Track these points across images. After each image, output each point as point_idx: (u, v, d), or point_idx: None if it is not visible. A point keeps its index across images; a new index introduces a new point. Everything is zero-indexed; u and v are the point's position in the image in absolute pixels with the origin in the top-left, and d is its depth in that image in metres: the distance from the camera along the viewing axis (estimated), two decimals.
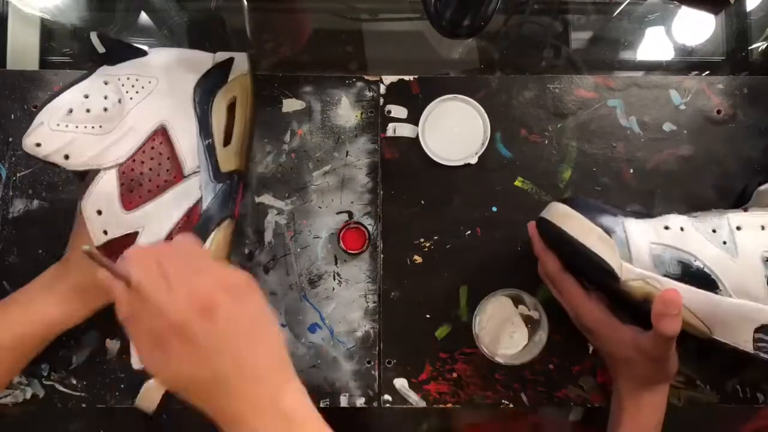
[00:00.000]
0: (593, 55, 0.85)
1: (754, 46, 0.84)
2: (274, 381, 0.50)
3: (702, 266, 0.60)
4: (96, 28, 0.84)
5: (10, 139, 0.73)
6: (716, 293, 0.59)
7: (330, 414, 0.70)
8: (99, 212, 0.61)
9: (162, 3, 0.84)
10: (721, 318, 0.60)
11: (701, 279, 0.59)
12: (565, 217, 0.61)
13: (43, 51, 0.82)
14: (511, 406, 0.70)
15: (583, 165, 0.75)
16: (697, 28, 0.85)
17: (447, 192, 0.75)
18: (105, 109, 0.63)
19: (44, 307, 0.64)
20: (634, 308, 0.61)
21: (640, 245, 0.60)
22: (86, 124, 0.62)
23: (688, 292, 0.59)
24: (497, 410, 0.66)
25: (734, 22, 0.85)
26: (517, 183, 0.75)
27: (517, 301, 0.69)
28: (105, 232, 0.62)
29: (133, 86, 0.65)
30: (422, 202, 0.74)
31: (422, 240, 0.74)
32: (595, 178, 0.75)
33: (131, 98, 0.64)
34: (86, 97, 0.63)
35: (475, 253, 0.74)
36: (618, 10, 0.86)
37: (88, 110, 0.62)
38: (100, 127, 0.62)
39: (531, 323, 0.69)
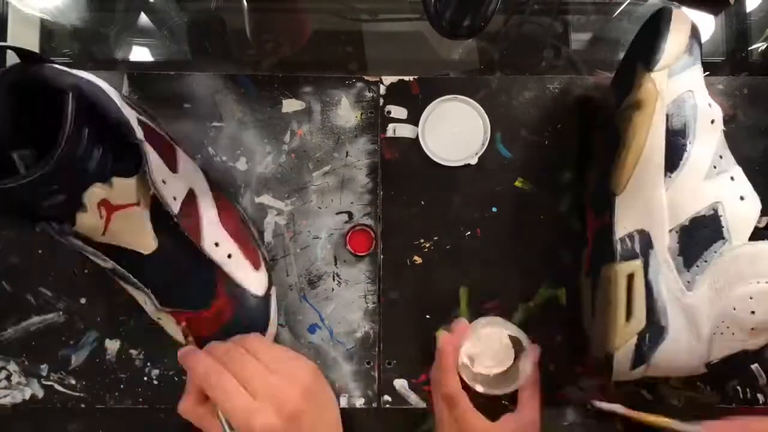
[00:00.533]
0: (593, 55, 0.85)
1: (754, 46, 0.84)
2: None
3: (687, 149, 0.62)
4: (96, 29, 0.83)
5: None
6: (666, 176, 0.61)
7: None
8: (164, 181, 0.61)
9: (162, 3, 0.84)
10: (639, 192, 0.62)
11: (675, 153, 0.62)
12: (683, 18, 0.64)
13: (43, 52, 0.82)
14: (511, 406, 0.70)
15: (583, 166, 0.75)
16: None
17: (447, 192, 0.75)
18: None
19: None
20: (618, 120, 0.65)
21: (687, 81, 0.63)
22: None
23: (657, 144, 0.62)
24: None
25: (734, 23, 0.84)
26: (518, 183, 0.75)
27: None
28: (174, 198, 0.62)
29: None
30: (422, 202, 0.74)
31: (422, 240, 0.74)
32: None
33: None
34: None
35: (475, 254, 0.74)
36: (618, 11, 0.86)
37: None
38: None
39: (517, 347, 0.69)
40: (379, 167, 0.75)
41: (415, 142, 0.74)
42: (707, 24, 0.85)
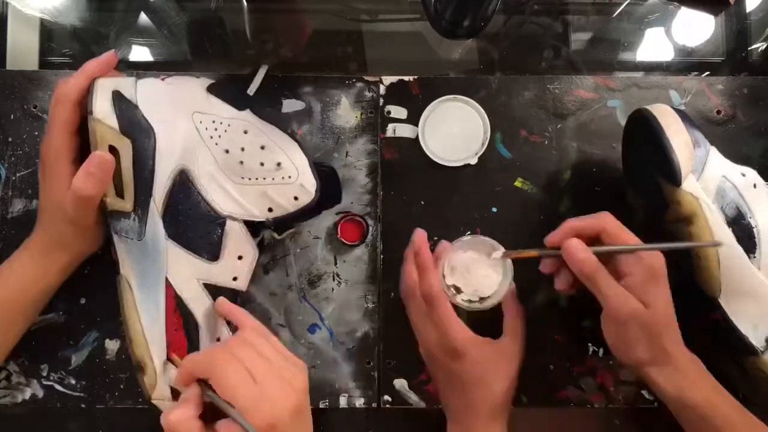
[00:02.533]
0: (593, 55, 0.85)
1: (753, 46, 0.84)
2: None
3: (753, 225, 0.62)
4: (96, 29, 0.84)
5: (10, 139, 0.73)
6: (751, 258, 0.61)
7: (329, 415, 0.70)
8: None
9: (162, 3, 0.84)
10: (738, 285, 0.61)
11: (745, 235, 0.62)
12: (666, 113, 0.63)
13: (43, 52, 0.82)
14: (511, 407, 0.70)
15: (583, 165, 0.75)
16: (697, 29, 0.85)
17: (447, 192, 0.75)
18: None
19: (23, 266, 0.64)
20: (671, 233, 0.65)
21: (713, 171, 0.63)
22: None
23: (727, 238, 0.61)
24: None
25: (734, 23, 0.85)
26: (517, 183, 0.75)
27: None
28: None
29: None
30: (422, 202, 0.74)
31: None
32: (595, 179, 0.75)
33: None
34: None
35: None
36: (618, 11, 0.86)
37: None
38: None
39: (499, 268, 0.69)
40: (379, 167, 0.75)
41: (415, 142, 0.74)
42: (707, 25, 0.85)
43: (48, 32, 0.83)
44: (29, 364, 0.71)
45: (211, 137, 0.62)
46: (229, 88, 0.67)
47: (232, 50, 0.84)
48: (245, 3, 0.83)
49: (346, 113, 0.76)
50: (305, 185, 0.64)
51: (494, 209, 0.74)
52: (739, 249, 0.61)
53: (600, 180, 0.75)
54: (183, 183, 0.62)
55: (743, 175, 0.64)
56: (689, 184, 0.62)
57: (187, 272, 0.62)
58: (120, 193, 0.61)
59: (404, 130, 0.75)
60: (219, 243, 0.63)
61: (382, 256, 0.74)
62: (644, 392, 0.72)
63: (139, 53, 0.84)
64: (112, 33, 0.83)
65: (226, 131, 0.63)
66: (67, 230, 0.63)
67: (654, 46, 0.86)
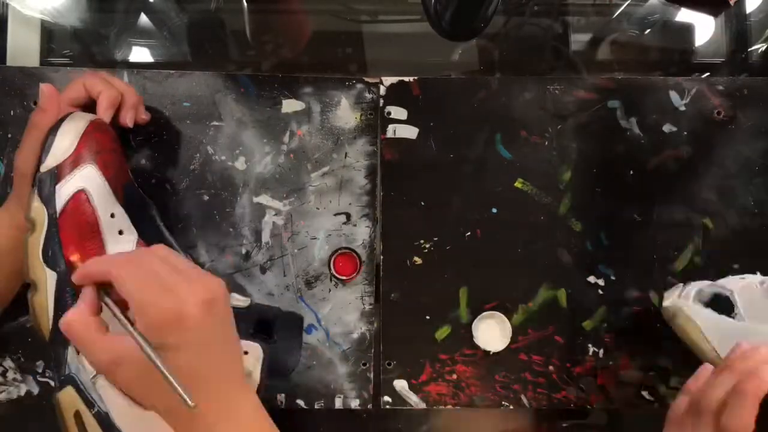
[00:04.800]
0: (593, 56, 0.85)
1: (753, 47, 0.84)
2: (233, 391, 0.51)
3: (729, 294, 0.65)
4: (96, 30, 0.84)
5: (9, 135, 0.73)
6: (732, 317, 0.63)
7: (329, 415, 0.70)
8: None
9: (162, 4, 0.84)
10: (731, 341, 0.61)
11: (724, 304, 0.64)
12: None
13: (44, 52, 0.82)
14: (511, 407, 0.69)
15: (583, 166, 0.75)
16: (697, 29, 0.85)
17: (447, 193, 0.74)
18: None
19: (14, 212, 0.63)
20: None
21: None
22: None
23: (707, 317, 0.64)
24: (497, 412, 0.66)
25: (734, 24, 0.85)
26: (517, 184, 0.75)
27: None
28: None
29: None
30: (422, 203, 0.74)
31: (422, 241, 0.74)
32: (595, 180, 0.75)
33: None
34: None
35: (475, 255, 0.74)
36: (618, 12, 0.86)
37: None
38: None
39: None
40: (379, 168, 0.75)
41: (415, 142, 0.74)
42: (707, 26, 0.85)
43: (48, 33, 0.83)
44: (25, 360, 0.71)
45: None
46: None
47: (232, 50, 0.84)
48: (245, 3, 0.83)
49: (346, 114, 0.76)
50: None
51: (494, 210, 0.74)
52: (718, 317, 0.64)
53: (600, 180, 0.75)
54: None
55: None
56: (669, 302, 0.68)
57: None
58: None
59: (404, 131, 0.75)
60: None
61: (382, 257, 0.73)
62: (644, 393, 0.72)
63: (139, 54, 0.84)
64: (112, 34, 0.83)
65: None
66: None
67: (654, 47, 0.85)
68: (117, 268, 0.48)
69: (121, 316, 0.48)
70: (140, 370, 0.47)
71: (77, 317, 0.48)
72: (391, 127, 0.75)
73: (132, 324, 0.47)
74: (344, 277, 0.73)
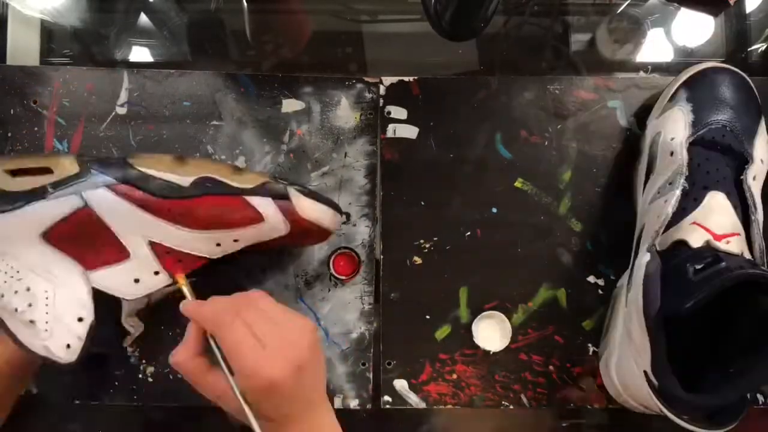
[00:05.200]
0: (593, 56, 0.85)
1: (753, 47, 0.84)
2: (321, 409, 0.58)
3: None
4: (96, 30, 0.83)
5: (9, 135, 0.73)
6: None
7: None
8: None
9: (162, 4, 0.84)
10: None
11: None
12: None
13: (43, 52, 0.82)
14: (511, 407, 0.69)
15: (583, 166, 0.75)
16: (697, 29, 0.85)
17: (447, 193, 0.74)
18: None
19: None
20: None
21: None
22: None
23: None
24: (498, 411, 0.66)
25: (734, 24, 0.84)
26: (517, 184, 0.75)
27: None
28: None
29: None
30: (422, 203, 0.74)
31: (422, 241, 0.74)
32: (595, 180, 0.75)
33: None
34: None
35: (475, 255, 0.74)
36: (618, 11, 0.86)
37: None
38: None
39: None
40: (379, 168, 0.75)
41: (415, 142, 0.74)
42: (707, 25, 0.85)
43: (48, 33, 0.83)
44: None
45: None
46: None
47: (232, 50, 0.84)
48: (245, 3, 0.83)
49: (346, 114, 0.76)
50: None
51: (494, 210, 0.74)
52: None
53: (600, 180, 0.75)
54: None
55: None
56: None
57: None
58: None
59: (404, 131, 0.75)
60: None
61: (382, 257, 0.73)
62: None
63: (139, 54, 0.83)
64: (112, 34, 0.83)
65: None
66: None
67: (654, 47, 0.85)
68: (222, 330, 0.53)
69: (223, 365, 0.54)
70: (238, 407, 0.53)
71: (183, 359, 0.55)
72: (391, 126, 0.75)
73: (232, 374, 0.54)
74: (344, 277, 0.73)
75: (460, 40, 0.73)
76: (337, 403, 0.72)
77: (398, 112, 0.75)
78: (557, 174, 0.75)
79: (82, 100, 0.74)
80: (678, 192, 0.62)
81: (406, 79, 0.76)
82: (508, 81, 0.76)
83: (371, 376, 0.72)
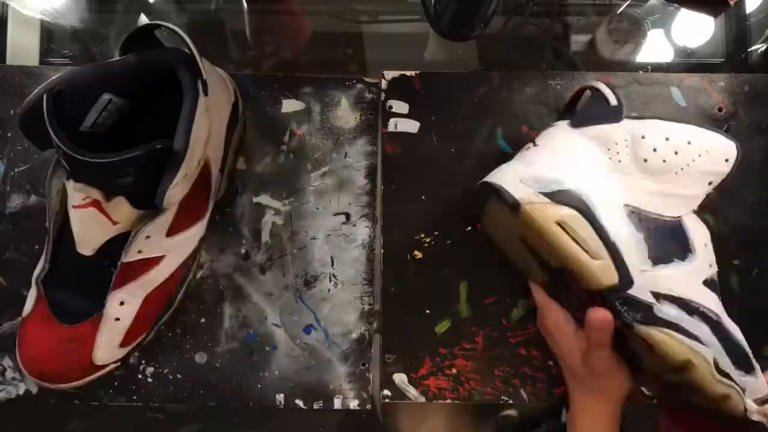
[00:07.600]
0: (593, 57, 0.85)
1: (753, 47, 0.85)
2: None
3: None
4: (96, 30, 0.84)
5: (9, 135, 0.73)
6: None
7: (328, 415, 0.69)
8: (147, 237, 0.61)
9: (162, 5, 0.85)
10: None
11: None
12: None
13: (43, 52, 0.83)
14: (511, 402, 0.69)
15: None
16: (697, 30, 0.85)
17: (448, 187, 0.74)
18: None
19: None
20: None
21: None
22: None
23: None
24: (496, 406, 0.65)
25: (733, 24, 0.85)
26: None
27: None
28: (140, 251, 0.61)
29: None
30: (423, 197, 0.74)
31: (423, 235, 0.73)
32: None
33: None
34: None
35: (475, 249, 0.73)
36: (618, 12, 0.86)
37: None
38: None
39: None
40: (380, 162, 0.74)
41: (416, 136, 0.74)
42: (707, 26, 0.85)
43: (48, 33, 0.83)
44: None
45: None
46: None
47: (232, 50, 0.84)
48: (245, 4, 0.83)
49: (346, 114, 0.76)
50: None
51: None
52: None
53: None
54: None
55: None
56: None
57: None
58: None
59: (406, 125, 0.75)
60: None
61: (382, 251, 0.73)
62: (643, 389, 0.71)
63: None
64: (112, 34, 0.83)
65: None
66: None
67: (654, 47, 0.86)
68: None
69: None
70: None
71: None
72: (392, 121, 0.75)
73: None
74: None
75: (460, 40, 0.74)
76: (337, 403, 0.71)
77: (400, 106, 0.75)
78: None
79: None
80: None
81: (407, 73, 0.76)
82: (510, 76, 0.76)
83: (371, 376, 0.72)
